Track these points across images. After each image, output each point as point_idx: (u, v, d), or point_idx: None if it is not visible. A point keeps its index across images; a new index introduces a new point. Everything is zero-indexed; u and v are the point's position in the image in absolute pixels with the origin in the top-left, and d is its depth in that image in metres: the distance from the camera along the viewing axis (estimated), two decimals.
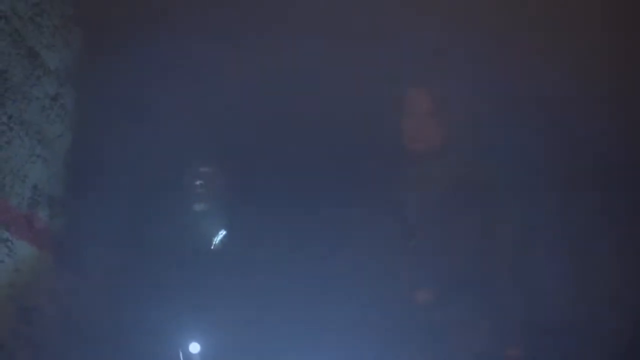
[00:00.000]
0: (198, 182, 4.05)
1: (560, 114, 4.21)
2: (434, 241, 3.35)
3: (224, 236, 4.00)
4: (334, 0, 4.15)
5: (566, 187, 4.06)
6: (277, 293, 3.84)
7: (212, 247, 3.99)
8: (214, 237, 4.01)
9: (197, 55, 4.27)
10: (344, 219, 3.84)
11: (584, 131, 4.14)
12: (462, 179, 3.46)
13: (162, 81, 4.22)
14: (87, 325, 3.83)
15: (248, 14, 4.27)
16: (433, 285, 3.30)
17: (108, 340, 3.80)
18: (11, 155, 3.31)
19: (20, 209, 3.42)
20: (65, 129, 3.81)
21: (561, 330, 3.74)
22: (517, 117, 4.10)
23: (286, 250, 4.02)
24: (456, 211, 3.37)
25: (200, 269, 3.93)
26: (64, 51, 3.78)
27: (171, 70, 4.23)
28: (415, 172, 3.53)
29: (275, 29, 4.25)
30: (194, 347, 3.71)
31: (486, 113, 3.99)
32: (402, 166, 3.63)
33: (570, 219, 4.02)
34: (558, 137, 4.15)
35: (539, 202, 4.00)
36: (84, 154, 3.95)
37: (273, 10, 4.25)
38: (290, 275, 3.86)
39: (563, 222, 4.03)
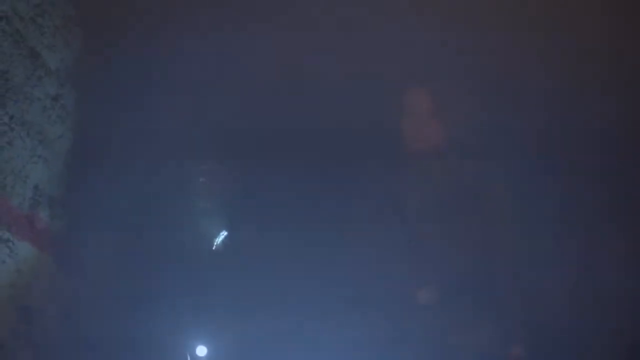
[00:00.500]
0: (199, 183, 4.05)
1: (561, 113, 4.20)
2: (435, 242, 3.34)
3: (225, 237, 3.99)
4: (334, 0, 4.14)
5: (567, 188, 4.05)
6: (279, 294, 3.83)
7: (213, 248, 3.99)
8: (215, 238, 4.00)
9: (197, 55, 4.26)
10: (345, 220, 3.83)
11: (584, 130, 4.13)
12: (462, 179, 3.45)
13: (163, 81, 4.21)
14: (87, 326, 3.83)
15: (248, 13, 4.26)
16: (434, 285, 3.29)
17: (108, 340, 3.80)
18: (13, 155, 3.31)
19: (22, 210, 3.42)
20: (66, 129, 3.81)
21: (561, 330, 3.72)
22: (518, 117, 4.09)
23: (287, 252, 4.00)
24: (457, 211, 3.36)
25: (201, 269, 3.93)
26: (64, 51, 3.78)
27: (171, 71, 4.23)
28: (417, 172, 3.52)
29: (275, 29, 4.24)
30: (201, 350, 3.70)
31: (487, 113, 3.99)
32: (403, 166, 3.62)
33: (572, 219, 4.00)
34: (559, 136, 4.14)
35: (540, 203, 3.99)
36: (85, 155, 3.95)
37: (273, 9, 4.24)
38: (292, 277, 3.85)
39: (565, 221, 4.00)
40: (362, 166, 3.92)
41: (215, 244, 3.99)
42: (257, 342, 3.68)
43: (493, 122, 3.98)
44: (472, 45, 4.15)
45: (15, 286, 3.32)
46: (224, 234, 4.00)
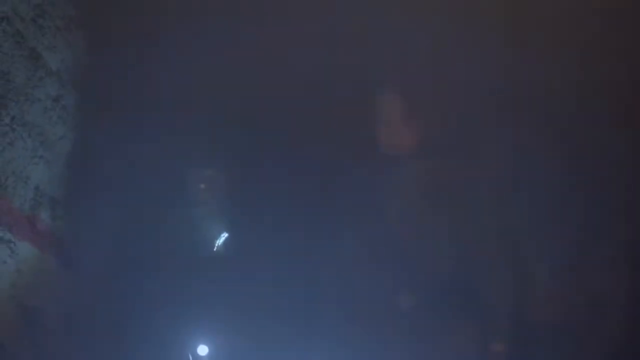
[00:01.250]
0: (200, 184, 4.04)
1: (547, 113, 4.16)
2: (420, 242, 3.29)
3: (226, 238, 3.98)
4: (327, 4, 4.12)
5: (557, 186, 4.01)
6: (276, 294, 3.82)
7: (214, 249, 3.99)
8: (217, 239, 4.00)
9: (198, 56, 4.26)
10: (332, 223, 3.79)
11: (569, 130, 4.10)
12: (447, 181, 3.40)
13: (164, 82, 4.21)
14: (88, 326, 3.84)
15: (247, 14, 4.27)
16: (419, 288, 3.23)
17: (110, 341, 3.80)
18: (14, 156, 3.32)
19: (23, 211, 3.42)
20: (67, 130, 3.81)
21: (548, 331, 3.68)
22: (503, 118, 4.07)
23: (277, 254, 3.99)
24: (440, 213, 3.31)
25: (202, 269, 3.93)
26: (65, 52, 3.79)
27: (173, 71, 4.23)
28: (401, 172, 3.47)
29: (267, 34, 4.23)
30: (202, 350, 3.70)
31: (470, 113, 3.97)
32: (386, 167, 3.56)
33: (560, 220, 3.95)
34: (543, 136, 4.10)
35: (528, 203, 3.97)
36: (86, 156, 3.95)
37: (272, 12, 4.25)
38: (283, 279, 3.84)
39: (551, 220, 3.96)
40: (345, 167, 3.86)
41: (216, 245, 3.99)
42: (258, 341, 3.68)
43: (476, 122, 3.97)
44: (463, 46, 4.12)
45: (16, 286, 3.32)
46: (224, 235, 4.00)
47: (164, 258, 3.97)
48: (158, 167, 4.16)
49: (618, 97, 4.10)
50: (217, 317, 3.78)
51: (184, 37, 4.21)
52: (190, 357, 3.71)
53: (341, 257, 3.55)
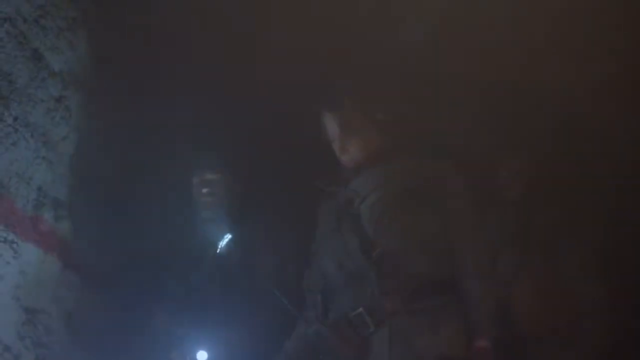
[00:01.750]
0: (203, 186, 4.03)
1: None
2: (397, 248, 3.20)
3: (230, 240, 3.97)
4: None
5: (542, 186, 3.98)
6: (276, 300, 3.79)
7: (217, 251, 3.98)
8: (220, 241, 3.99)
9: (201, 58, 4.27)
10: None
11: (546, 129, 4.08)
12: (419, 181, 3.31)
13: (167, 83, 4.22)
14: (92, 328, 3.84)
15: (249, 15, 4.27)
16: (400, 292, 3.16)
17: (112, 343, 3.80)
18: (17, 157, 3.32)
19: (26, 211, 3.42)
20: (70, 131, 3.81)
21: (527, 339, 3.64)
22: (470, 115, 4.06)
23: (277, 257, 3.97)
24: (416, 214, 3.23)
25: (205, 272, 3.92)
26: (68, 53, 3.78)
27: (176, 72, 4.23)
28: (371, 175, 3.37)
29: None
30: (202, 355, 3.68)
31: (444, 111, 3.97)
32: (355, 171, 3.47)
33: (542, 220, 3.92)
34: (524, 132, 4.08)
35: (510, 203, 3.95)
36: (89, 156, 3.94)
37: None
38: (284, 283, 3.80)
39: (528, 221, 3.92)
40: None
41: (219, 247, 3.99)
42: (258, 347, 3.67)
43: (447, 122, 3.97)
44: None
45: (20, 287, 3.32)
46: (227, 237, 4.00)
47: (166, 260, 3.97)
48: (161, 168, 4.16)
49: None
50: (217, 322, 3.77)
51: (187, 38, 4.21)
52: None
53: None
